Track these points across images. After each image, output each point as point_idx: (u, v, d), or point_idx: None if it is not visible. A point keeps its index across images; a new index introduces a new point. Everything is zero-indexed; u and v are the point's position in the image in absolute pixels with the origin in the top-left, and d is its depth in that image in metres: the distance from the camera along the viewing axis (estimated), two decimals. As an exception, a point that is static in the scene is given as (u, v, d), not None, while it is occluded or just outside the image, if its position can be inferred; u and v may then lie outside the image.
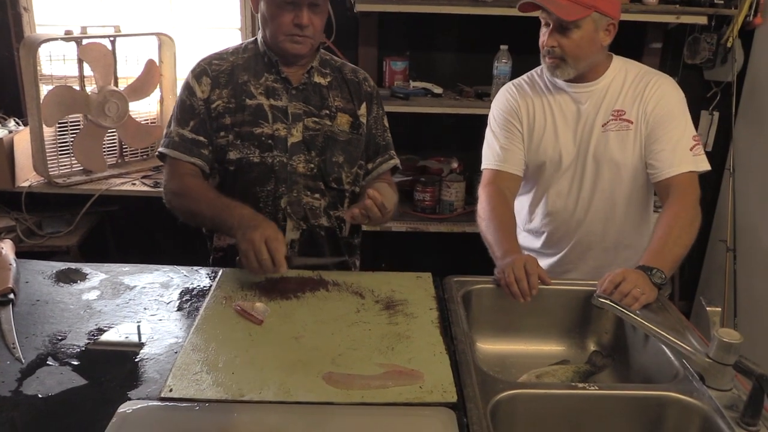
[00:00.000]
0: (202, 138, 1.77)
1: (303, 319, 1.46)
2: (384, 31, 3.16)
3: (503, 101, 1.96)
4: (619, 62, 1.88)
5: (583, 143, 1.87)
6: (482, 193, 1.92)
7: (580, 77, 1.83)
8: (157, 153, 1.84)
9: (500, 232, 1.76)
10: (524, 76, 1.98)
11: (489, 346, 1.62)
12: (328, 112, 1.81)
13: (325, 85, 1.83)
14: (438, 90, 3.07)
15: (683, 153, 1.79)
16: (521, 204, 2.04)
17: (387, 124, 1.94)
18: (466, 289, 1.62)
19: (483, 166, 1.98)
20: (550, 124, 1.89)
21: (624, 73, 1.86)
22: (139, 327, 1.43)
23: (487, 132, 1.99)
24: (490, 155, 1.95)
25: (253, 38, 1.87)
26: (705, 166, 1.80)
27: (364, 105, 1.87)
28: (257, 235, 1.52)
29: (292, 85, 1.79)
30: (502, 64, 2.90)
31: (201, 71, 1.80)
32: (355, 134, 1.84)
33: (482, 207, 1.86)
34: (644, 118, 1.83)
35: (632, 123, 1.83)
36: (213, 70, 1.80)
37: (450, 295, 1.59)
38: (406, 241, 3.13)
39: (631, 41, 3.17)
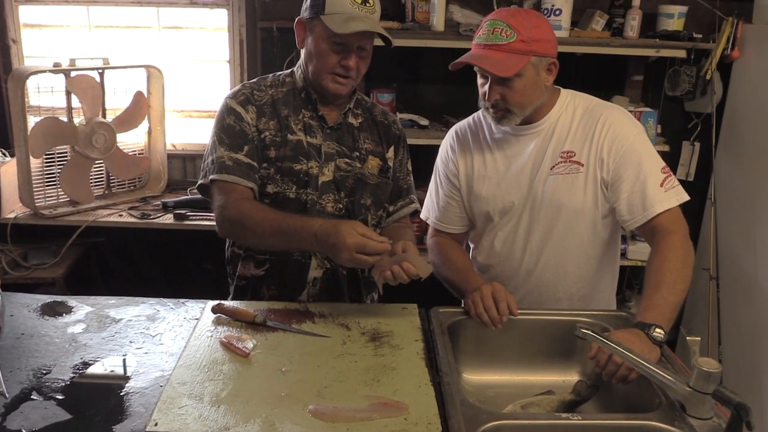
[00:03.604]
0: (255, 163, 1.74)
1: (289, 352, 1.47)
2: (371, 63, 3.19)
3: (443, 152, 1.93)
4: (566, 98, 1.78)
5: (530, 188, 1.77)
6: (430, 242, 1.96)
7: (524, 119, 1.74)
8: (201, 182, 1.76)
9: (461, 271, 1.80)
10: (470, 119, 1.91)
11: (474, 377, 1.63)
12: (358, 154, 1.82)
13: (357, 126, 1.84)
14: (424, 122, 3.13)
15: (655, 191, 1.66)
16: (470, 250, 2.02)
17: (410, 168, 1.95)
18: (451, 321, 1.63)
19: (425, 218, 1.99)
20: (492, 172, 1.82)
21: (572, 110, 1.76)
22: (124, 360, 1.43)
23: (434, 175, 1.98)
24: (431, 208, 1.97)
25: (288, 71, 1.86)
26: (682, 197, 1.68)
27: (392, 148, 1.88)
28: (347, 233, 1.49)
29: (327, 124, 1.79)
30: (486, 97, 2.95)
31: (245, 99, 1.77)
32: (383, 178, 1.85)
33: (435, 255, 1.90)
34: (599, 163, 1.71)
35: (583, 165, 1.72)
36: (256, 100, 1.78)
37: (436, 326, 1.60)
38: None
39: (613, 73, 3.25)
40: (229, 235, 1.75)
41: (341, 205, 1.80)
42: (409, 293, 1.98)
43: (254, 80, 1.85)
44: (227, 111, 1.76)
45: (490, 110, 1.72)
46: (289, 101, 1.79)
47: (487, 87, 1.69)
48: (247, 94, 1.78)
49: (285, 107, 1.78)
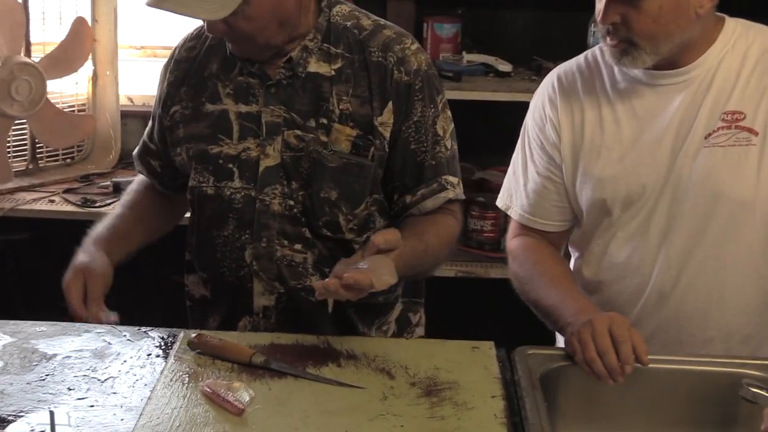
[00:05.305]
0: (153, 147, 1.99)
1: (303, 409, 1.47)
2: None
3: (538, 109, 1.93)
4: (734, 31, 1.76)
5: (672, 166, 1.77)
6: (513, 244, 1.95)
7: (666, 61, 1.73)
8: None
9: (561, 291, 1.79)
10: (581, 59, 1.92)
11: (582, 454, 1.63)
12: (325, 120, 1.79)
13: (329, 75, 1.80)
14: (505, 66, 3.11)
15: None
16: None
17: (445, 133, 1.88)
18: (546, 368, 1.62)
19: (504, 207, 2.00)
20: (613, 141, 1.82)
21: (743, 50, 1.75)
22: (57, 416, 1.43)
23: (520, 143, 1.99)
24: (515, 193, 1.96)
25: None
26: None
27: (390, 106, 1.81)
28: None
29: (270, 79, 1.80)
30: (600, 29, 2.92)
31: (171, 57, 1.93)
32: (356, 158, 1.81)
33: (520, 264, 1.91)
34: None
35: (756, 134, 1.71)
36: (183, 57, 1.89)
37: (523, 376, 1.59)
38: (456, 292, 3.15)
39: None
40: None
41: (292, 202, 1.81)
42: (481, 325, 1.97)
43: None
44: None
45: (607, 39, 1.71)
46: (221, 50, 1.84)
47: (603, 3, 1.67)
48: (179, 48, 1.93)
49: (215, 61, 1.85)
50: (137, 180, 2.09)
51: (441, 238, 1.82)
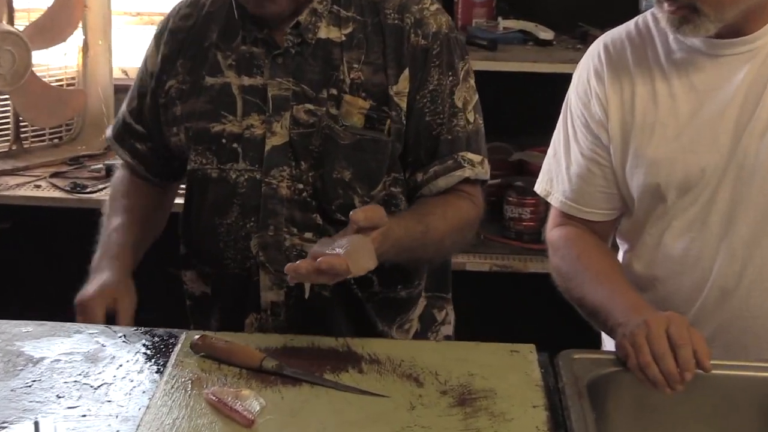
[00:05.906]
0: (139, 128, 1.97)
1: (320, 420, 1.46)
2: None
3: (582, 82, 1.90)
4: None
5: (735, 146, 1.75)
6: (554, 235, 1.95)
7: (729, 29, 1.70)
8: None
9: (607, 284, 1.78)
10: (630, 26, 1.89)
11: (634, 471, 1.62)
12: (335, 91, 1.79)
13: (339, 41, 1.81)
14: (546, 34, 3.13)
15: None
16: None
17: (466, 105, 1.86)
18: (595, 373, 1.60)
19: (543, 193, 1.98)
20: (668, 117, 1.79)
21: None
22: (42, 427, 1.43)
23: (562, 120, 1.97)
24: (557, 177, 1.95)
25: None
26: None
27: (406, 73, 1.81)
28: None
29: (277, 48, 1.80)
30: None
31: (163, 26, 1.92)
32: (370, 132, 1.80)
33: (562, 258, 1.90)
34: None
35: None
36: (177, 27, 1.88)
37: (568, 383, 1.57)
38: (492, 288, 3.18)
39: None
40: None
41: (302, 185, 1.81)
42: (520, 325, 1.91)
43: None
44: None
45: (665, 6, 1.68)
46: (221, 18, 1.85)
47: None
48: (169, 17, 1.93)
49: (215, 29, 1.85)
50: (121, 177, 2.08)
51: (449, 222, 1.80)
